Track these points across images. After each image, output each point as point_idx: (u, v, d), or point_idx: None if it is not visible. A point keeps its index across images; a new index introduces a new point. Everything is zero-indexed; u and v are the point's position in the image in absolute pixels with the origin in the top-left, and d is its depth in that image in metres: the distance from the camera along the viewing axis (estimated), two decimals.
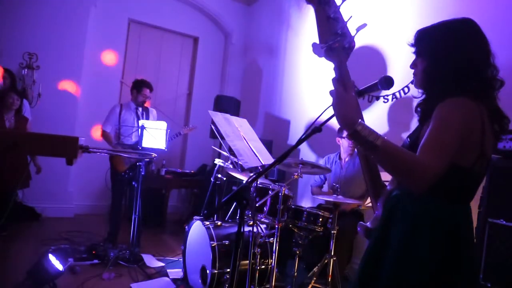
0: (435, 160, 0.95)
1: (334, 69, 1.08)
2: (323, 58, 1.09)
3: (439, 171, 0.95)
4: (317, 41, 1.08)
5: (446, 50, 1.10)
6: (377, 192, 1.24)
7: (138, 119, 3.81)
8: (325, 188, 3.55)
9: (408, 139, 1.17)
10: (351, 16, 1.07)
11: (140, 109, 3.88)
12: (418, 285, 1.02)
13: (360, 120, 1.01)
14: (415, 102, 1.22)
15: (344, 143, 3.31)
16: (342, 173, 3.33)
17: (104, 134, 3.83)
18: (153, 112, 4.01)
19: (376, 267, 1.11)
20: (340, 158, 3.42)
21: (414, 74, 1.19)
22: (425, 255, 1.03)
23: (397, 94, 3.34)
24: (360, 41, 3.71)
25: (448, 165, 0.98)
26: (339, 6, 1.06)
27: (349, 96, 1.04)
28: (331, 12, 1.04)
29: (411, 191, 1.07)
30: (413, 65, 1.19)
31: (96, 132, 5.00)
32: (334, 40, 1.05)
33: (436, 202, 1.06)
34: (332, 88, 1.08)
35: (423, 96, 1.19)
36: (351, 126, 1.00)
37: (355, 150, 3.35)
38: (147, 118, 3.88)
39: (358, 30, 1.07)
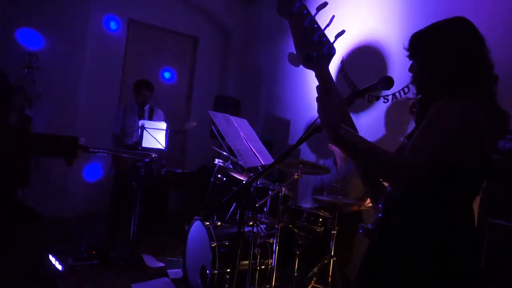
0: (419, 159, 0.97)
1: (316, 77, 1.09)
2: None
3: (421, 170, 0.96)
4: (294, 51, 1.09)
5: (438, 50, 1.11)
6: (377, 194, 1.24)
7: (140, 119, 3.82)
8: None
9: (406, 140, 1.17)
10: (328, 24, 1.07)
11: (144, 109, 3.90)
12: None
13: (343, 125, 1.01)
14: (411, 104, 1.22)
15: (337, 149, 3.33)
16: (339, 177, 3.33)
17: (114, 137, 3.92)
18: (158, 112, 4.03)
19: (375, 270, 1.11)
20: (335, 164, 3.43)
21: (412, 77, 1.20)
22: (422, 257, 1.03)
23: (397, 94, 3.33)
24: (360, 41, 3.72)
25: (441, 165, 0.98)
26: (315, 15, 1.07)
27: (332, 101, 1.03)
28: (306, 22, 1.05)
29: (407, 192, 1.08)
30: (410, 68, 1.20)
31: (96, 132, 4.99)
32: (311, 49, 1.06)
33: (434, 202, 1.05)
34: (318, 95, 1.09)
35: (418, 97, 1.20)
36: (334, 131, 1.00)
37: None
38: (151, 119, 3.90)
39: (336, 37, 1.08)
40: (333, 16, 1.07)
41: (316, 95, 1.06)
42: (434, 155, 0.98)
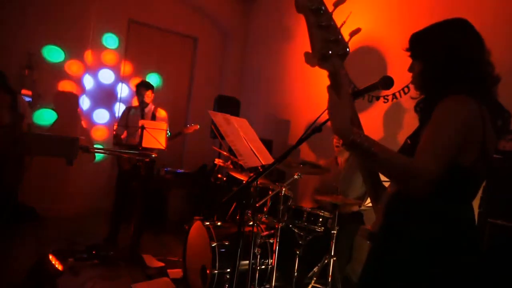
0: (432, 164, 0.95)
1: (329, 77, 1.06)
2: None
3: (436, 175, 0.95)
4: (309, 50, 1.06)
5: (440, 50, 1.11)
6: (378, 195, 1.24)
7: (142, 119, 3.84)
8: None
9: (409, 140, 1.16)
10: (344, 22, 1.05)
11: (146, 110, 3.92)
12: None
13: (355, 129, 1.00)
14: (415, 103, 1.22)
15: (337, 149, 3.33)
16: (341, 174, 3.32)
17: (115, 135, 3.94)
18: (161, 113, 4.03)
19: (378, 273, 1.11)
20: (337, 163, 3.42)
21: (412, 77, 1.20)
22: (425, 258, 1.03)
23: (397, 94, 3.33)
24: (360, 41, 3.71)
25: (448, 165, 0.98)
26: (331, 12, 1.03)
27: (344, 104, 1.02)
28: (323, 20, 1.02)
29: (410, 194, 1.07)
30: (411, 69, 1.19)
31: (96, 133, 5.01)
32: (327, 48, 1.03)
33: (436, 202, 1.05)
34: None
35: (422, 96, 1.20)
36: (347, 136, 0.99)
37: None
38: (153, 119, 3.91)
39: (351, 35, 1.05)
40: (350, 13, 1.05)
41: (327, 95, 1.04)
42: (447, 159, 0.97)
